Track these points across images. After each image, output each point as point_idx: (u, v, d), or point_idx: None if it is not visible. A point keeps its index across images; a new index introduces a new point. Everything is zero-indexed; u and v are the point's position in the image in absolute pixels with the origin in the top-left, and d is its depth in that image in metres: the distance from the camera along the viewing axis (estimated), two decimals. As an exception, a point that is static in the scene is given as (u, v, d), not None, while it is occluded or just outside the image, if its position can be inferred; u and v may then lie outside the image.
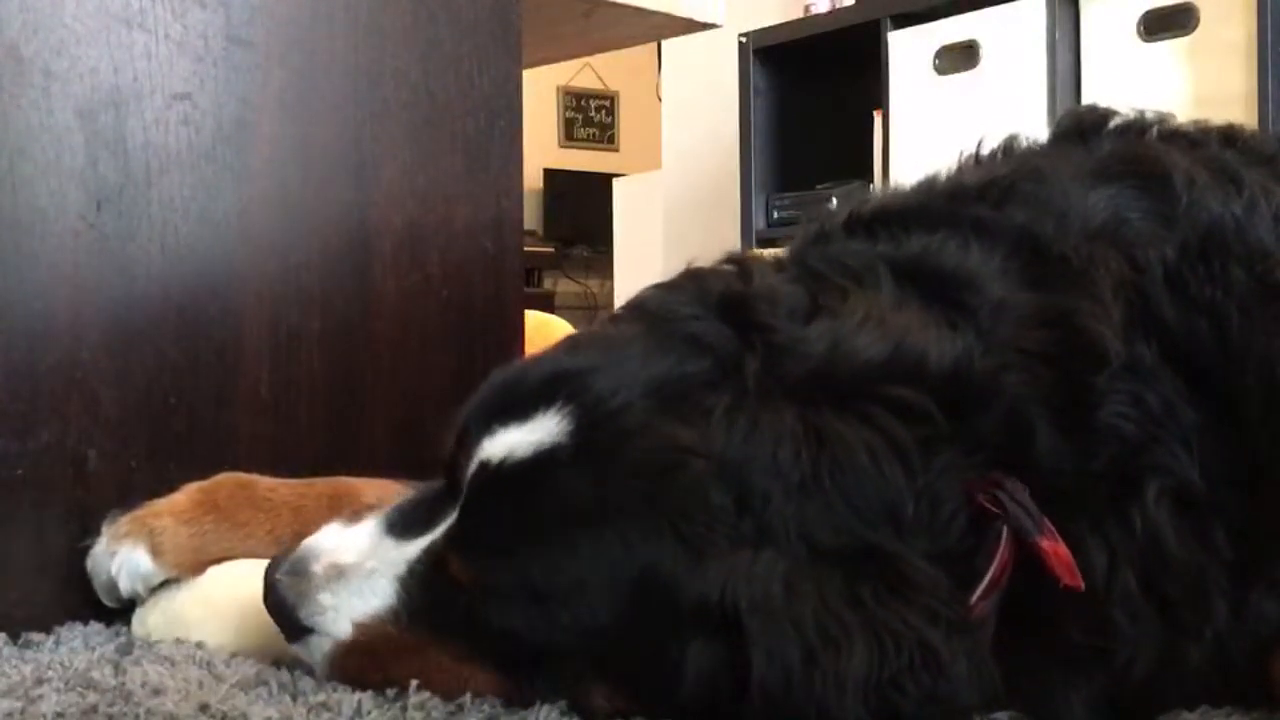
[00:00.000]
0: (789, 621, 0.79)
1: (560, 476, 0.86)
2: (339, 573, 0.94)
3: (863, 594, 0.80)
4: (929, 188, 1.05)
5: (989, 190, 1.00)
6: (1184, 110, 1.10)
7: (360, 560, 0.94)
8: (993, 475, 0.85)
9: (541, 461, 0.86)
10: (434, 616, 0.92)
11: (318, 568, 0.95)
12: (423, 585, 0.92)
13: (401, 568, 0.93)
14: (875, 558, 0.82)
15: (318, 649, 0.95)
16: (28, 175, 1.17)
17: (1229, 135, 1.05)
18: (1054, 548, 0.83)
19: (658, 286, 0.98)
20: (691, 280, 0.97)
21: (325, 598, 0.94)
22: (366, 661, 0.94)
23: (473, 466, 0.90)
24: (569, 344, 0.96)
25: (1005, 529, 0.84)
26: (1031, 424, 0.86)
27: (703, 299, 0.93)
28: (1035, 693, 0.85)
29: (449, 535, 0.92)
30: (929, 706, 0.79)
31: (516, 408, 0.89)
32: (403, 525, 0.95)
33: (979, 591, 0.83)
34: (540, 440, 0.87)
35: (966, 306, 0.90)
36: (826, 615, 0.80)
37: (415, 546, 0.93)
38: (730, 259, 1.00)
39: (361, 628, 0.93)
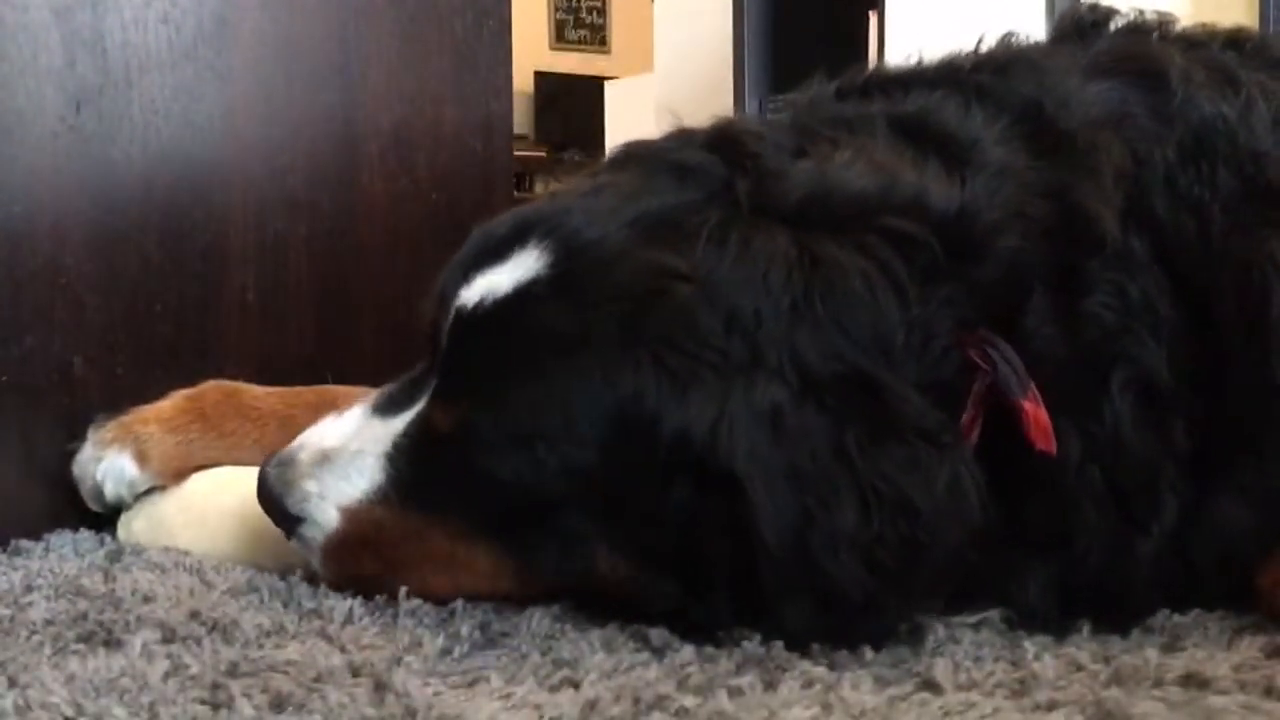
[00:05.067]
0: (784, 479, 0.79)
1: (537, 309, 0.85)
2: (324, 458, 0.93)
3: (847, 444, 0.80)
4: (921, 64, 1.03)
5: (984, 65, 0.98)
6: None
7: (345, 444, 0.93)
8: (984, 332, 0.84)
9: (519, 296, 0.85)
10: (424, 490, 0.91)
11: (304, 455, 0.94)
12: (409, 459, 0.91)
13: (387, 445, 0.92)
14: (865, 387, 0.81)
15: (311, 541, 0.94)
16: (4, 75, 1.14)
17: (1234, 38, 1.03)
18: (1035, 411, 0.83)
19: (641, 140, 0.98)
20: (678, 131, 0.97)
21: (310, 484, 0.93)
22: (360, 552, 0.93)
23: (450, 318, 0.89)
24: (548, 195, 0.96)
25: (980, 386, 0.83)
26: (1030, 288, 0.86)
27: (690, 141, 0.93)
28: (995, 574, 0.86)
29: (432, 393, 0.90)
30: (910, 552, 0.80)
31: (492, 253, 0.88)
32: (388, 405, 0.94)
33: None
34: (518, 277, 0.86)
35: (969, 164, 0.89)
36: (817, 472, 0.79)
37: (400, 421, 0.92)
38: (717, 122, 0.99)
39: (349, 513, 0.92)
